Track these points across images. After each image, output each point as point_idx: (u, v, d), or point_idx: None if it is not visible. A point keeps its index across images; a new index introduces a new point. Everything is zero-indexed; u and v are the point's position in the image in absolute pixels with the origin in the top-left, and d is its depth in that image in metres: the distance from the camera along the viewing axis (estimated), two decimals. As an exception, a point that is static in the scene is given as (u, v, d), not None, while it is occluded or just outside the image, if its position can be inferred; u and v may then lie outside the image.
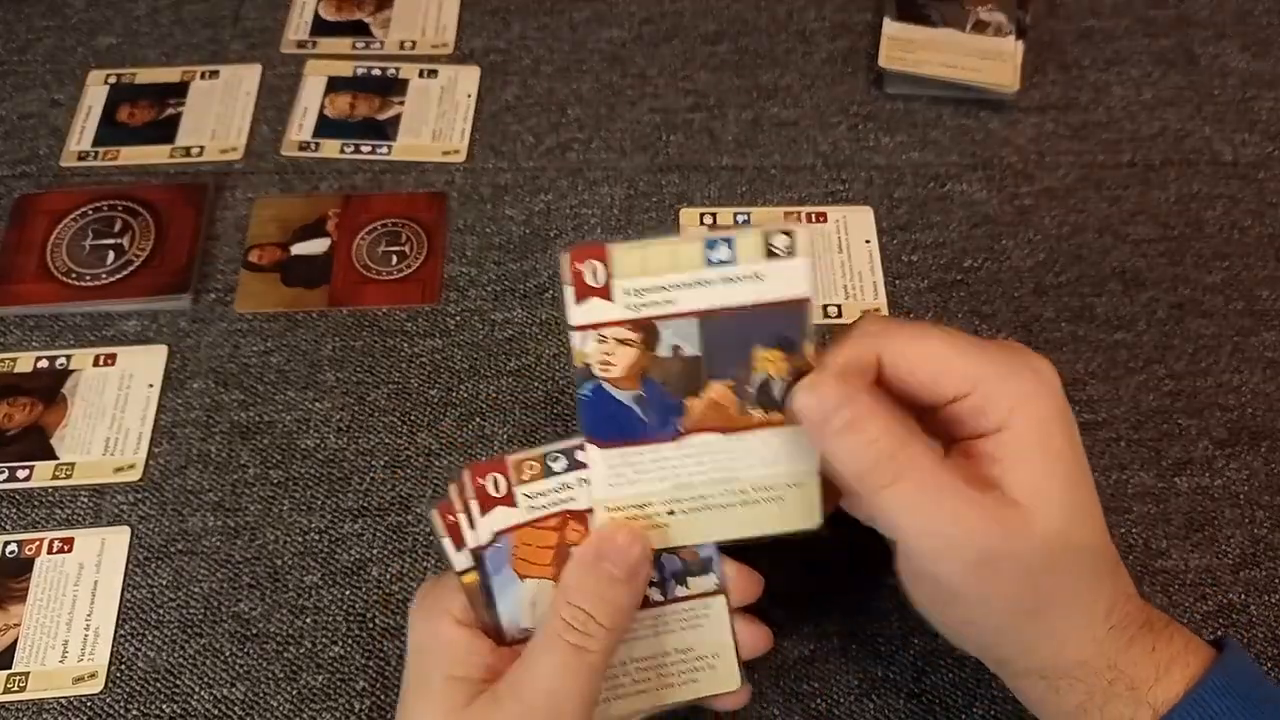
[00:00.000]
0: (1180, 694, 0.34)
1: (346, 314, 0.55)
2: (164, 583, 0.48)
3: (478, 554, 0.37)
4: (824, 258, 0.57)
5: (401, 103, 0.62)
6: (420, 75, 0.63)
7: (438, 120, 0.62)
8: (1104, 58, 0.64)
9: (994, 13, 0.63)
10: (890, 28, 0.63)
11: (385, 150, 0.61)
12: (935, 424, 0.37)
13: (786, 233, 0.35)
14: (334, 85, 0.63)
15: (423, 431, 0.52)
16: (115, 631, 0.47)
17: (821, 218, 0.58)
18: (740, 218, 0.58)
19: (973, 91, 0.61)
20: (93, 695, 0.45)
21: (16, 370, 0.53)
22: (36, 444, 0.51)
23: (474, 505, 0.37)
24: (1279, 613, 0.47)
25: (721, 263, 0.35)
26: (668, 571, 0.39)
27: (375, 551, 0.49)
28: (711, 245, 0.35)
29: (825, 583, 0.48)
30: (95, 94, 0.63)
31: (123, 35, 0.65)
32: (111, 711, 0.45)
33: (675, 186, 0.59)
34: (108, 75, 0.64)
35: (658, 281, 0.35)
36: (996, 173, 0.60)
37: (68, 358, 0.54)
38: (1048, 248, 0.57)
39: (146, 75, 0.64)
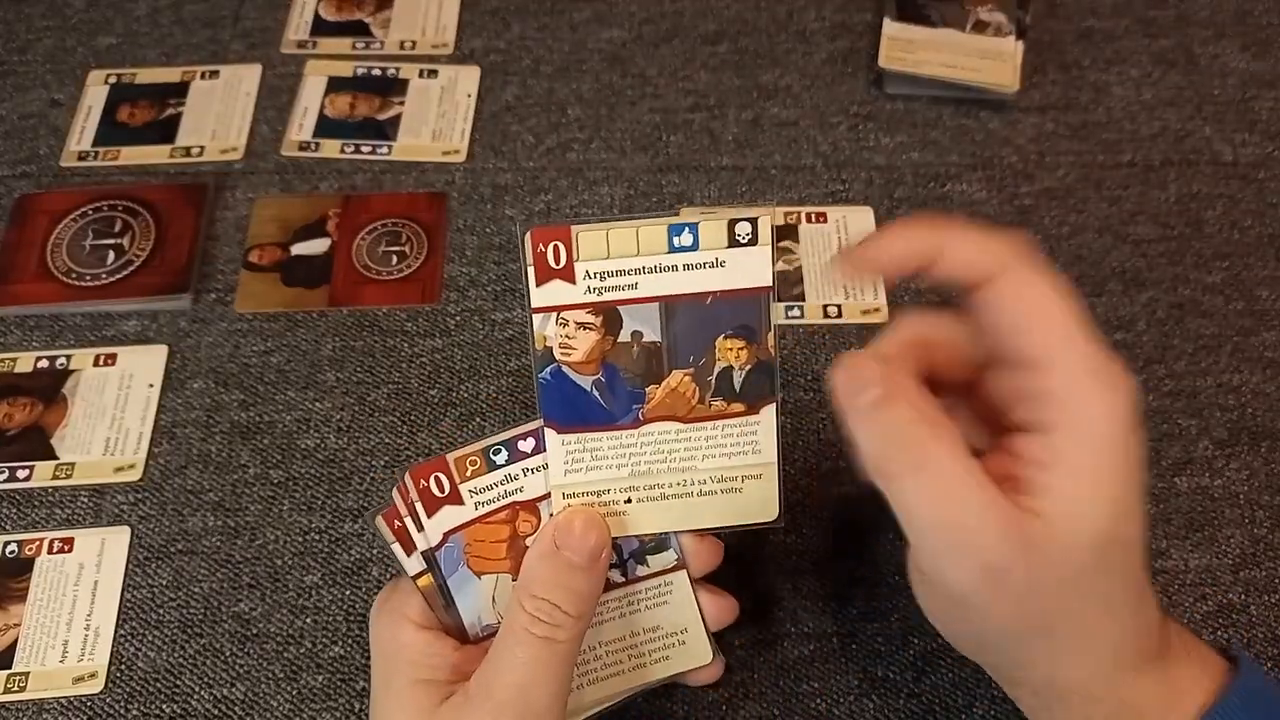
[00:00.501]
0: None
1: (346, 314, 0.55)
2: (164, 583, 0.48)
3: (430, 556, 0.37)
4: (824, 257, 0.57)
5: (401, 103, 0.62)
6: (420, 75, 0.63)
7: (438, 120, 0.62)
8: (1104, 58, 0.64)
9: (994, 13, 0.63)
10: (890, 28, 0.63)
11: (385, 150, 0.61)
12: (988, 403, 0.34)
13: (750, 220, 0.35)
14: (334, 85, 0.63)
15: (423, 431, 0.52)
16: (115, 631, 0.47)
17: (821, 218, 0.58)
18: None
19: (973, 91, 0.61)
20: (93, 695, 0.45)
21: (16, 370, 0.53)
22: (36, 444, 0.51)
23: (420, 508, 0.36)
24: (1279, 613, 0.47)
25: (685, 248, 0.35)
26: (626, 552, 0.39)
27: (375, 551, 0.49)
28: (675, 230, 0.35)
29: (825, 583, 0.48)
30: (95, 94, 0.63)
31: (123, 35, 0.65)
32: (111, 711, 0.45)
33: (675, 186, 0.59)
34: (108, 75, 0.64)
35: (621, 265, 0.35)
36: (996, 173, 0.60)
37: (68, 358, 0.54)
38: (1048, 248, 0.57)
39: (147, 75, 0.64)
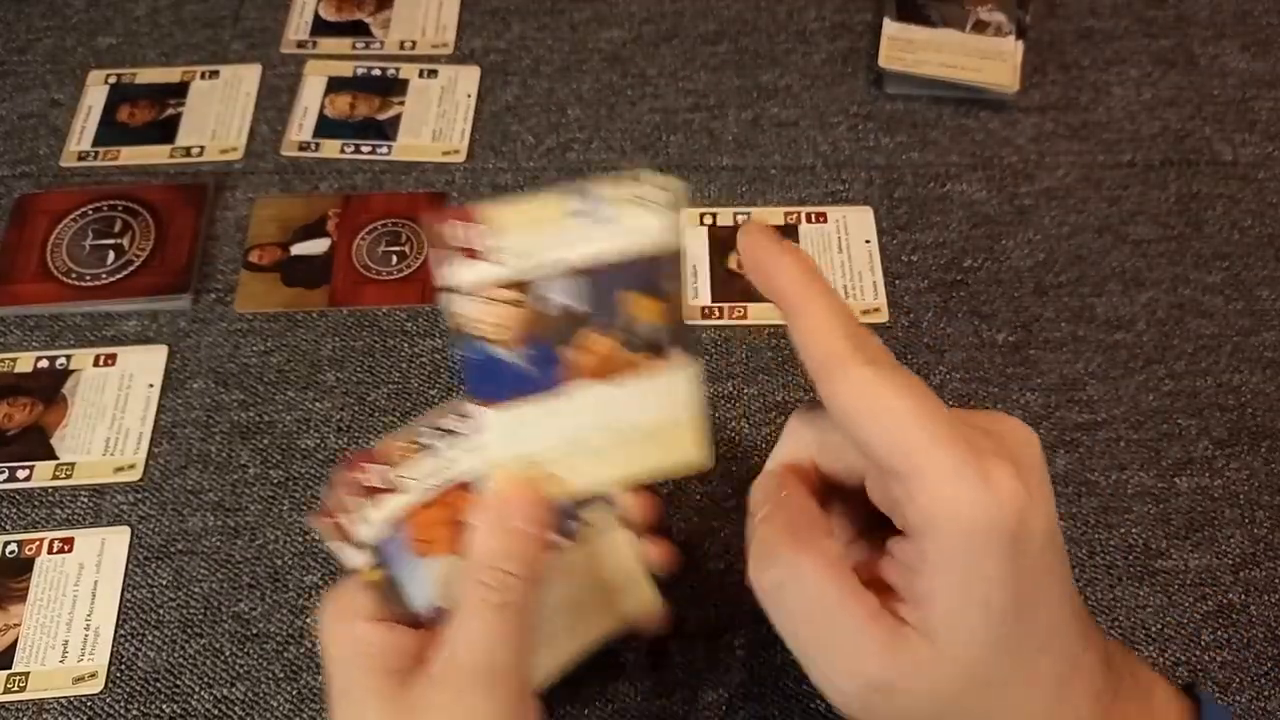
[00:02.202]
0: None
1: (346, 314, 0.55)
2: (164, 583, 0.48)
3: (375, 549, 0.37)
4: (824, 258, 0.57)
5: (401, 103, 0.62)
6: (420, 75, 0.63)
7: (438, 120, 0.62)
8: (1104, 58, 0.64)
9: (994, 13, 0.63)
10: (890, 28, 0.63)
11: (385, 150, 0.61)
12: (873, 496, 0.33)
13: (654, 184, 0.36)
14: (334, 85, 0.63)
15: (423, 431, 0.52)
16: (115, 631, 0.47)
17: (821, 218, 0.58)
18: (741, 217, 0.58)
19: (973, 91, 0.61)
20: (93, 695, 0.45)
21: (16, 370, 0.53)
22: (36, 444, 0.51)
23: (357, 502, 0.37)
24: (1279, 613, 0.47)
25: (588, 215, 0.36)
26: (566, 514, 0.40)
27: (375, 551, 0.49)
28: (582, 199, 0.36)
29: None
30: (95, 94, 0.63)
31: (123, 35, 0.65)
32: (111, 711, 0.45)
33: (675, 186, 0.59)
34: (108, 75, 0.64)
35: (529, 238, 0.36)
36: (996, 173, 0.60)
37: (68, 358, 0.54)
38: (1048, 248, 0.57)
39: (146, 75, 0.64)
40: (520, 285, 0.36)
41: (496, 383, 0.37)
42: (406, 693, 0.35)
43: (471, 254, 0.36)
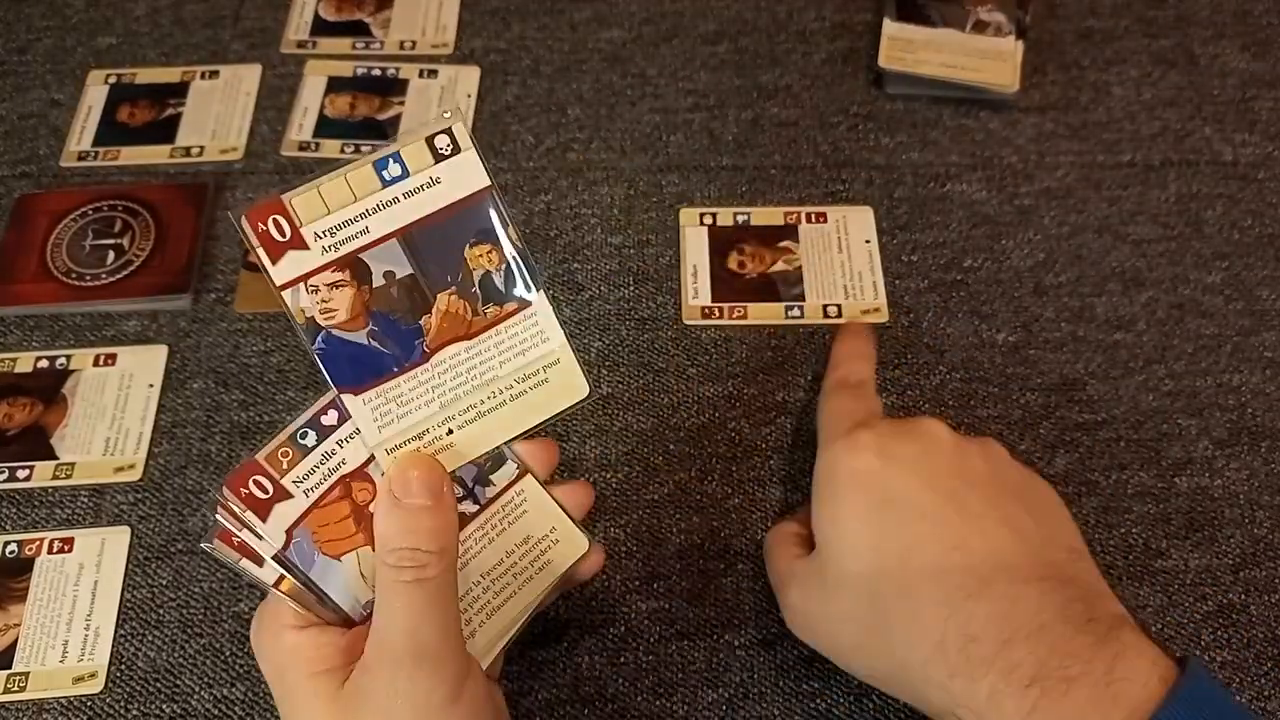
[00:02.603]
0: None
1: (346, 314, 0.55)
2: (164, 582, 0.48)
3: (281, 559, 0.36)
4: (824, 258, 0.57)
5: (402, 103, 0.62)
6: (420, 75, 0.63)
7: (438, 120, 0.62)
8: (1104, 58, 0.64)
9: (994, 13, 0.63)
10: (890, 28, 0.63)
11: (385, 150, 0.61)
12: None
13: (445, 131, 0.36)
14: (334, 85, 0.63)
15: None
16: (115, 631, 0.47)
17: (821, 218, 0.58)
18: (740, 218, 0.58)
19: (973, 91, 0.61)
20: (93, 695, 0.45)
21: (16, 370, 0.53)
22: (36, 444, 0.51)
23: (251, 517, 0.36)
24: (1279, 613, 0.47)
25: (397, 179, 0.35)
26: (469, 480, 0.39)
27: (375, 551, 0.49)
28: (381, 164, 0.35)
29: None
30: (95, 94, 0.63)
31: (123, 35, 0.65)
32: (111, 711, 0.45)
33: (675, 186, 0.59)
34: (108, 75, 0.64)
35: (344, 216, 0.35)
36: (996, 173, 0.60)
37: (68, 358, 0.54)
38: (1047, 248, 0.57)
39: (146, 75, 0.64)
40: (352, 265, 0.36)
41: (357, 368, 0.36)
42: (345, 689, 0.35)
43: (293, 244, 0.35)
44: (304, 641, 0.36)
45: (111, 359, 0.54)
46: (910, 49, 0.62)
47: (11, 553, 0.48)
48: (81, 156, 0.61)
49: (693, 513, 0.49)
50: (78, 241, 0.57)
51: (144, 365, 0.54)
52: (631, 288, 0.56)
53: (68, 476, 0.50)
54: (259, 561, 0.36)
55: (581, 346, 0.54)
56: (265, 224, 0.35)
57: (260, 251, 0.35)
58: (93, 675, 0.46)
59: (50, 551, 0.48)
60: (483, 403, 0.38)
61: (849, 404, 0.45)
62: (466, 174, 0.36)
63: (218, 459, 0.51)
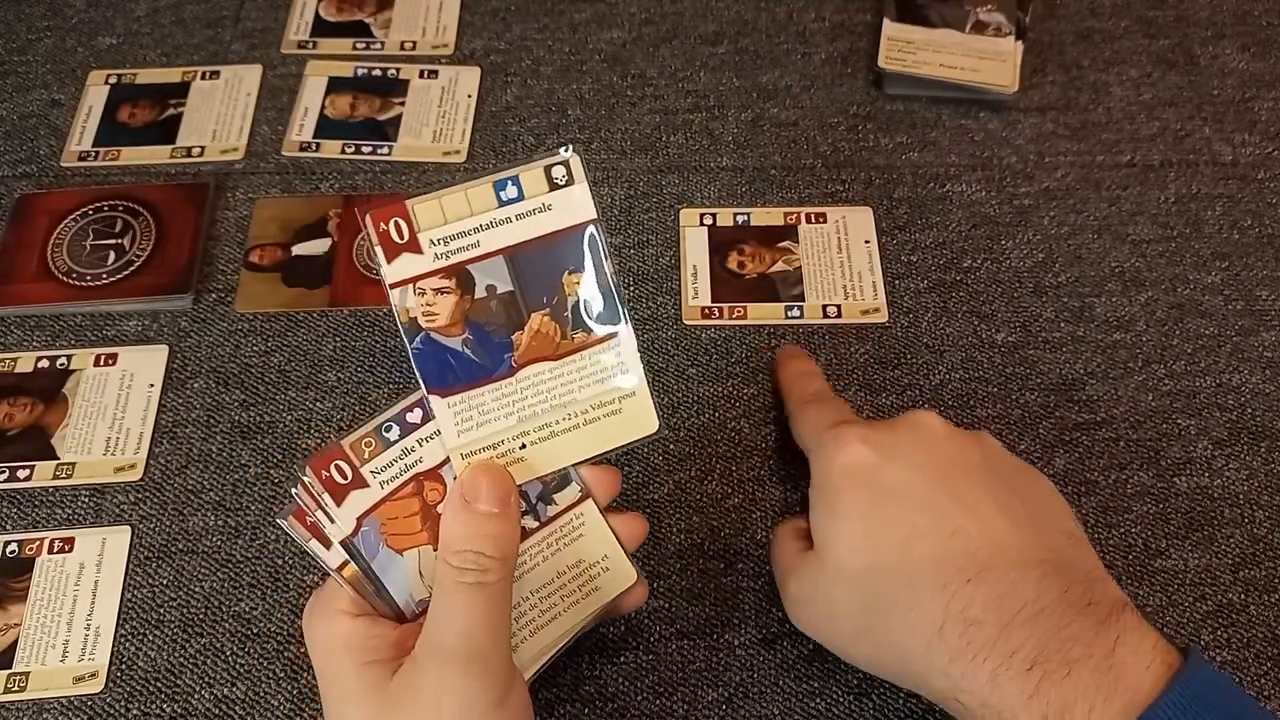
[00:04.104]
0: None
1: (347, 314, 0.55)
2: (165, 582, 0.48)
3: (348, 544, 0.37)
4: (824, 258, 0.57)
5: (402, 103, 0.62)
6: (421, 76, 0.64)
7: (438, 121, 0.62)
8: (1103, 58, 0.64)
9: (993, 13, 0.63)
10: (890, 28, 0.63)
11: (386, 151, 0.61)
12: None
13: (563, 163, 0.38)
14: (335, 86, 0.63)
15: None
16: (116, 631, 0.47)
17: (821, 218, 0.58)
18: (740, 218, 0.58)
19: (972, 92, 0.61)
20: (93, 695, 0.45)
21: (17, 370, 0.53)
22: (37, 444, 0.51)
23: (327, 499, 0.37)
24: (1279, 613, 0.47)
25: (512, 200, 0.38)
26: (533, 496, 0.40)
27: (375, 551, 0.49)
28: (501, 186, 0.37)
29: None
30: (96, 94, 0.63)
31: (123, 35, 0.66)
32: (112, 711, 0.45)
33: (675, 187, 0.59)
34: (108, 75, 0.64)
35: (459, 228, 0.37)
36: (996, 173, 0.60)
37: (68, 358, 0.54)
38: (1047, 248, 0.57)
39: (147, 75, 0.64)
40: (459, 274, 0.37)
41: (448, 371, 0.38)
42: (391, 680, 0.36)
43: (409, 247, 0.37)
44: (358, 629, 0.37)
45: (112, 359, 0.54)
46: (910, 49, 0.62)
47: (12, 553, 0.49)
48: (82, 156, 0.61)
49: (693, 513, 0.49)
50: (78, 241, 0.57)
51: (144, 365, 0.54)
52: (631, 288, 0.56)
53: (68, 476, 0.50)
54: (327, 544, 0.37)
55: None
56: (387, 224, 0.37)
57: (378, 249, 0.37)
58: (93, 675, 0.46)
59: (51, 551, 0.49)
60: (558, 423, 0.39)
61: (820, 412, 0.45)
62: (576, 205, 0.38)
63: (218, 459, 0.51)
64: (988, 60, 0.62)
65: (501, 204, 0.38)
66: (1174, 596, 0.47)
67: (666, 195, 0.59)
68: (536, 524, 0.40)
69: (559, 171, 0.38)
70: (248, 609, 0.47)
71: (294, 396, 0.53)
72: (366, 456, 0.37)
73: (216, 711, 0.45)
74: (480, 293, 0.38)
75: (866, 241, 0.57)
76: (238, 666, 0.46)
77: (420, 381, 0.38)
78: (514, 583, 0.39)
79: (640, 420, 0.40)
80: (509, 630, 0.37)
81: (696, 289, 0.56)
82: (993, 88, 0.61)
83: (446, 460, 0.39)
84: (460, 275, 0.38)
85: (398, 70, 0.64)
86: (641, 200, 0.59)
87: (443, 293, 0.38)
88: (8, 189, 0.59)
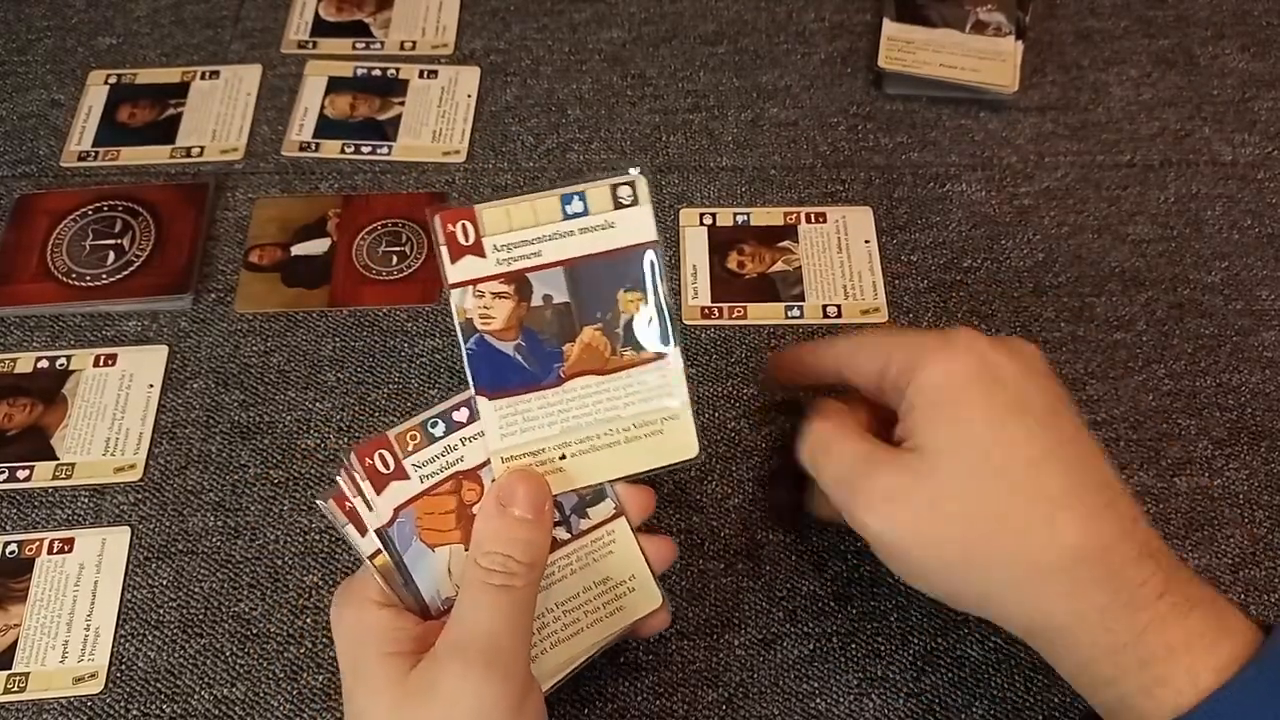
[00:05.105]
0: (1207, 688, 0.34)
1: (347, 314, 0.55)
2: (164, 582, 0.48)
3: (383, 534, 0.38)
4: (823, 258, 0.57)
5: (402, 103, 0.62)
6: (420, 76, 0.64)
7: (438, 121, 0.62)
8: (1103, 58, 0.64)
9: (993, 13, 0.63)
10: (889, 28, 0.63)
11: (385, 150, 0.61)
12: (889, 407, 0.41)
13: (629, 183, 0.39)
14: (334, 85, 0.63)
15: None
16: (115, 631, 0.47)
17: (821, 218, 0.58)
18: (740, 218, 0.58)
19: (972, 92, 0.61)
20: (93, 695, 0.45)
21: (16, 370, 0.53)
22: (36, 444, 0.51)
23: (367, 486, 0.37)
24: (1279, 613, 0.47)
25: (577, 215, 0.39)
26: (568, 508, 0.40)
27: (375, 551, 0.49)
28: (567, 200, 0.39)
29: (825, 583, 0.48)
30: (96, 94, 0.63)
31: (123, 36, 0.66)
32: (111, 711, 0.45)
33: (675, 187, 0.59)
34: (108, 75, 0.64)
35: (524, 236, 0.38)
36: (996, 173, 0.60)
37: (68, 358, 0.54)
38: (1047, 248, 0.57)
39: (147, 75, 0.64)
40: (518, 281, 0.38)
41: (497, 375, 0.39)
42: (413, 675, 0.36)
43: (473, 250, 0.38)
44: (383, 620, 0.37)
45: (112, 359, 0.54)
46: (910, 49, 0.62)
47: (11, 553, 0.49)
48: (82, 156, 0.61)
49: (693, 513, 0.49)
50: (78, 241, 0.57)
51: (144, 365, 0.54)
52: (631, 288, 0.56)
53: (68, 477, 0.50)
54: (362, 531, 0.38)
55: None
56: (454, 226, 0.38)
57: (444, 249, 0.38)
58: (93, 675, 0.46)
59: (50, 552, 0.49)
60: (599, 437, 0.40)
61: (890, 331, 0.43)
62: (638, 225, 0.39)
63: (218, 459, 0.51)
64: (988, 60, 0.62)
65: (566, 217, 0.39)
66: (1174, 596, 0.47)
67: (666, 195, 0.59)
68: (568, 536, 0.40)
69: (625, 191, 0.39)
70: (247, 609, 0.47)
71: (293, 396, 0.53)
72: (410, 449, 0.38)
73: (216, 712, 0.45)
74: (537, 301, 0.39)
75: (866, 241, 0.57)
76: (237, 667, 0.46)
77: (470, 381, 0.39)
78: (542, 593, 0.39)
79: (681, 443, 0.40)
80: (530, 637, 0.37)
81: (696, 289, 0.56)
82: (993, 88, 0.61)
83: (487, 462, 0.39)
84: (519, 282, 0.38)
85: (397, 70, 0.64)
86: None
87: (501, 297, 0.38)
88: (8, 189, 0.59)
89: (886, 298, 0.55)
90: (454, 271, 0.38)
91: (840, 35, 0.65)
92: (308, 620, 0.47)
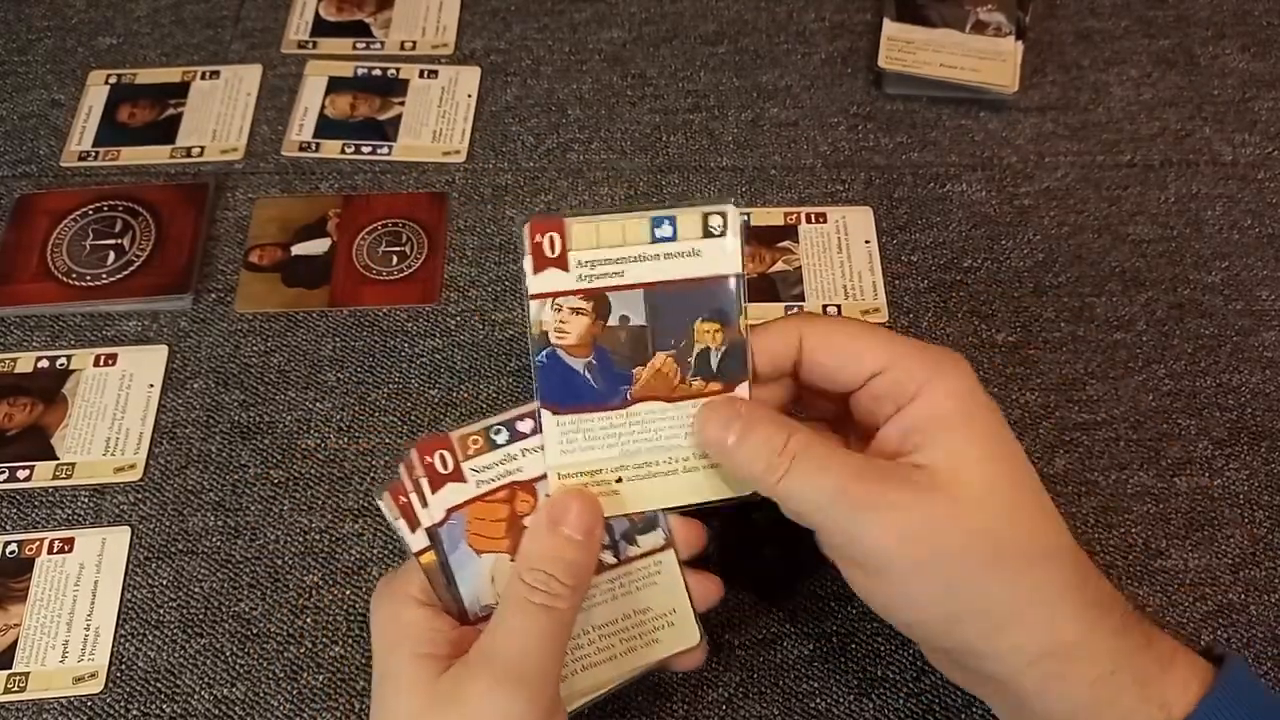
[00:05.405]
0: (1196, 697, 0.34)
1: (347, 314, 0.55)
2: (164, 582, 0.48)
3: (433, 532, 0.38)
4: (824, 257, 0.57)
5: (402, 103, 0.62)
6: (421, 76, 0.64)
7: (438, 121, 0.62)
8: (1103, 58, 0.64)
9: (993, 13, 0.63)
10: (889, 28, 0.63)
11: (386, 150, 0.61)
12: (859, 414, 0.39)
13: (721, 214, 0.39)
14: (334, 85, 0.63)
15: (423, 431, 0.52)
16: (115, 631, 0.47)
17: (821, 218, 0.58)
18: (741, 217, 0.58)
19: (972, 92, 0.61)
20: (93, 695, 0.45)
21: (17, 370, 0.53)
22: (36, 444, 0.51)
23: (424, 483, 0.38)
24: (1279, 613, 0.47)
25: (665, 239, 0.38)
26: (618, 533, 0.40)
27: (376, 551, 0.49)
28: (657, 223, 0.38)
29: (825, 583, 0.48)
30: (96, 94, 0.63)
31: (123, 35, 0.66)
32: (111, 711, 0.45)
33: (675, 187, 0.59)
34: (108, 75, 0.64)
35: (608, 254, 0.38)
36: (996, 173, 0.60)
37: (68, 358, 0.54)
38: (1047, 248, 0.57)
39: (147, 75, 0.64)
40: (597, 299, 0.38)
41: (565, 389, 0.39)
42: (442, 680, 0.36)
43: (557, 263, 0.38)
44: (420, 619, 0.37)
45: (112, 359, 0.54)
46: (910, 49, 0.62)
47: (11, 553, 0.49)
48: (82, 156, 0.61)
49: (692, 512, 0.49)
50: (78, 241, 0.57)
51: (144, 365, 0.54)
52: (631, 288, 0.56)
53: (68, 476, 0.50)
54: (413, 527, 0.38)
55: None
56: (542, 237, 0.38)
57: (528, 259, 0.38)
58: (93, 675, 0.46)
59: (50, 551, 0.49)
60: (658, 464, 0.39)
61: (888, 333, 0.39)
62: (724, 256, 0.39)
63: (218, 459, 0.51)
64: (988, 60, 0.62)
65: (654, 240, 0.38)
66: (1174, 596, 0.47)
67: (666, 195, 0.59)
68: (615, 561, 0.40)
69: (715, 221, 0.39)
70: (247, 609, 0.47)
71: (293, 396, 0.53)
72: (471, 453, 0.38)
73: (216, 712, 0.45)
74: (613, 321, 0.38)
75: (866, 241, 0.57)
76: (237, 667, 0.46)
77: (537, 394, 0.39)
78: (581, 614, 0.39)
79: (737, 480, 0.39)
80: (562, 661, 0.37)
81: (696, 289, 0.55)
82: (993, 87, 0.61)
83: (543, 476, 0.39)
84: (598, 300, 0.38)
85: (397, 70, 0.64)
86: (641, 200, 0.59)
87: (578, 313, 0.38)
88: (8, 189, 0.59)
89: (887, 298, 0.55)
90: (536, 283, 0.38)
91: (840, 35, 0.65)
92: (308, 620, 0.47)
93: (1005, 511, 0.35)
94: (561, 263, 0.38)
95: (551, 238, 0.38)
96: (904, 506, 0.35)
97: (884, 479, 0.35)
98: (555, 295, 0.38)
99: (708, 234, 0.39)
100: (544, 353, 0.38)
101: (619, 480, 0.39)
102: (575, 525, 0.38)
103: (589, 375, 0.39)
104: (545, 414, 0.39)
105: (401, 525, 0.38)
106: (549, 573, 0.37)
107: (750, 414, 0.38)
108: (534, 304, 0.38)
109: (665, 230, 0.38)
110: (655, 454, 0.39)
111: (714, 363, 0.39)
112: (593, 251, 0.38)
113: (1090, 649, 0.35)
